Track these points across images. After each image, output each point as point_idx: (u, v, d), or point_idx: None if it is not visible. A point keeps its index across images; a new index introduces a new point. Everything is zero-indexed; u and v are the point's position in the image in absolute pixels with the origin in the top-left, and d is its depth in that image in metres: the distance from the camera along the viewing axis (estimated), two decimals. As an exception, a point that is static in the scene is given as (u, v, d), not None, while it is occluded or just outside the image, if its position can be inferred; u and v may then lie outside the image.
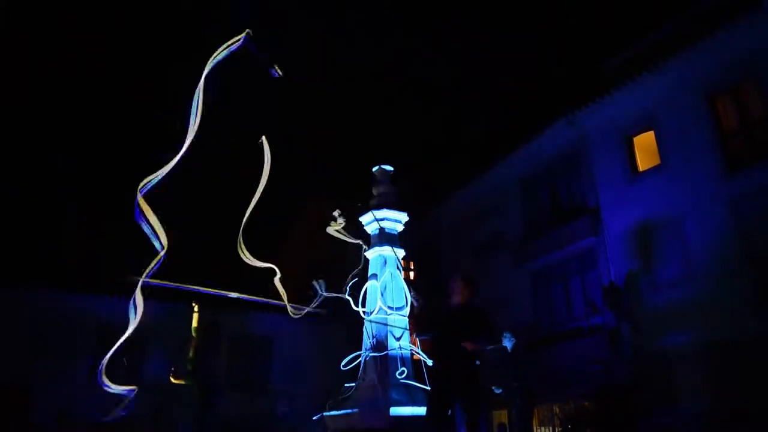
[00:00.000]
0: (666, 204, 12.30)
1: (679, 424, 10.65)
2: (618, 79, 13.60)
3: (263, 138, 5.60)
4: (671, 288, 11.88)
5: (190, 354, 6.55)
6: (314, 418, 8.43)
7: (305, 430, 11.03)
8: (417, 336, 7.04)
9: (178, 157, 4.33)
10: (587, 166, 14.45)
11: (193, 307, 6.61)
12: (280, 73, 4.48)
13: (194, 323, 6.61)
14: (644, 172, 13.12)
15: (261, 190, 5.63)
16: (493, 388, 7.82)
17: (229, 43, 4.48)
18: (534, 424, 8.01)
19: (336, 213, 7.78)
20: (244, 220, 5.71)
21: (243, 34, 4.48)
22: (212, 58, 4.41)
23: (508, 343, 7.78)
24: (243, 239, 5.87)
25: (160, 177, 4.37)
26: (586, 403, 12.67)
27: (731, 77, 11.60)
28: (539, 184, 16.17)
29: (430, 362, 8.16)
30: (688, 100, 12.22)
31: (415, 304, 7.10)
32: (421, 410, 7.33)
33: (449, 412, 4.70)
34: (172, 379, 6.60)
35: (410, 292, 7.41)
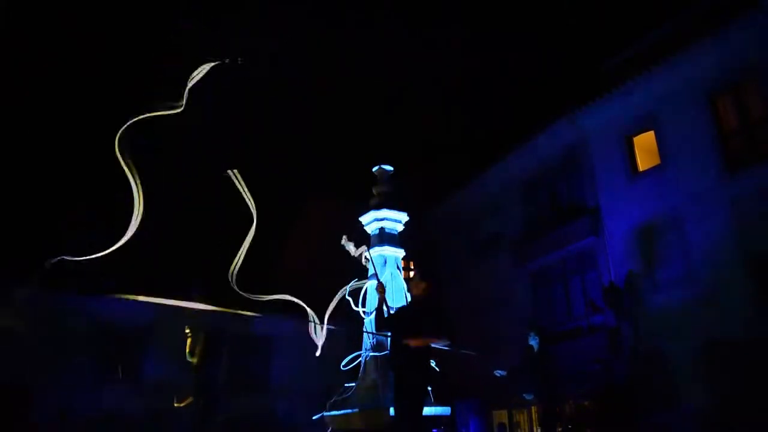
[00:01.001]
0: (666, 204, 12.30)
1: (679, 424, 10.66)
2: (618, 79, 13.59)
3: (233, 172, 5.59)
4: (671, 288, 11.88)
5: (192, 360, 6.45)
6: (314, 417, 8.43)
7: (306, 430, 11.03)
8: (376, 334, 6.86)
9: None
10: (587, 166, 14.45)
11: (187, 333, 6.45)
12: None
13: (187, 348, 6.44)
14: (644, 172, 13.12)
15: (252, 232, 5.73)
16: (524, 395, 7.54)
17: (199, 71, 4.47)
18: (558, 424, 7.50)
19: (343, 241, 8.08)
20: (238, 260, 5.77)
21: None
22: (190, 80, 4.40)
23: (533, 341, 7.54)
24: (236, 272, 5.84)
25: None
26: (586, 403, 12.68)
27: (731, 77, 11.60)
28: (539, 184, 16.17)
29: (431, 362, 8.16)
30: (688, 100, 12.21)
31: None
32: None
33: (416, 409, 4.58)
34: (176, 405, 6.50)
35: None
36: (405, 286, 8.75)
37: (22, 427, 13.19)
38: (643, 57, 13.55)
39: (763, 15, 10.94)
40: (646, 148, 13.36)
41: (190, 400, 6.35)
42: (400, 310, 5.24)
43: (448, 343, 4.75)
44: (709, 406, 10.45)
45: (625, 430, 11.11)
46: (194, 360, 6.39)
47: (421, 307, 4.82)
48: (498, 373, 7.64)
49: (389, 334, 4.87)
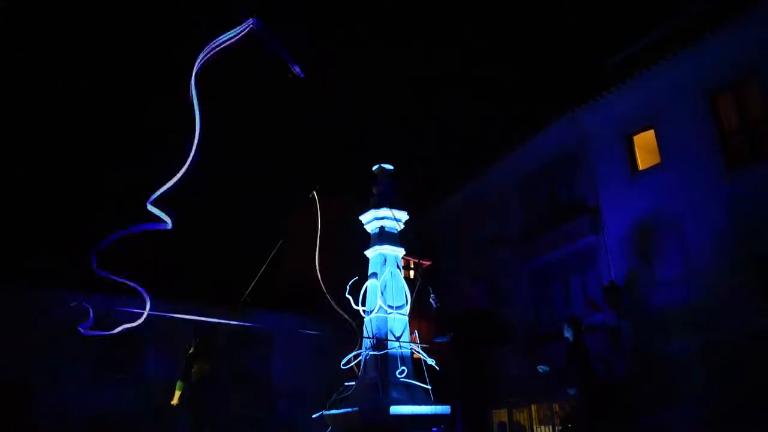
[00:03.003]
0: (666, 203, 12.29)
1: (679, 424, 10.66)
2: (618, 78, 13.57)
3: (315, 192, 6.05)
4: (671, 287, 11.87)
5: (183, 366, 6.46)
6: (314, 416, 8.43)
7: (305, 429, 11.03)
8: (435, 339, 7.11)
9: (186, 165, 4.17)
10: (587, 165, 14.44)
11: (188, 348, 6.51)
12: (295, 70, 4.27)
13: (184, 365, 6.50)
14: (644, 170, 13.11)
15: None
16: (568, 390, 7.36)
17: (234, 32, 4.16)
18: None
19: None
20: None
21: (249, 21, 4.11)
22: (212, 44, 4.11)
23: (568, 333, 7.32)
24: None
25: (168, 186, 4.26)
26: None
27: (731, 76, 11.58)
28: (539, 183, 16.16)
29: (431, 361, 8.18)
30: (689, 99, 12.20)
31: (434, 305, 7.16)
32: (422, 409, 7.35)
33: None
34: (172, 403, 6.52)
35: (430, 294, 7.44)
36: (405, 285, 8.75)
37: (22, 427, 13.19)
38: (644, 55, 13.54)
39: (764, 14, 10.92)
40: (646, 147, 13.35)
41: (178, 394, 6.36)
42: (465, 316, 5.46)
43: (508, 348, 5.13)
44: (709, 405, 10.44)
45: (625, 429, 11.11)
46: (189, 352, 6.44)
47: (487, 314, 5.04)
48: (541, 368, 7.51)
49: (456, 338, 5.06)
